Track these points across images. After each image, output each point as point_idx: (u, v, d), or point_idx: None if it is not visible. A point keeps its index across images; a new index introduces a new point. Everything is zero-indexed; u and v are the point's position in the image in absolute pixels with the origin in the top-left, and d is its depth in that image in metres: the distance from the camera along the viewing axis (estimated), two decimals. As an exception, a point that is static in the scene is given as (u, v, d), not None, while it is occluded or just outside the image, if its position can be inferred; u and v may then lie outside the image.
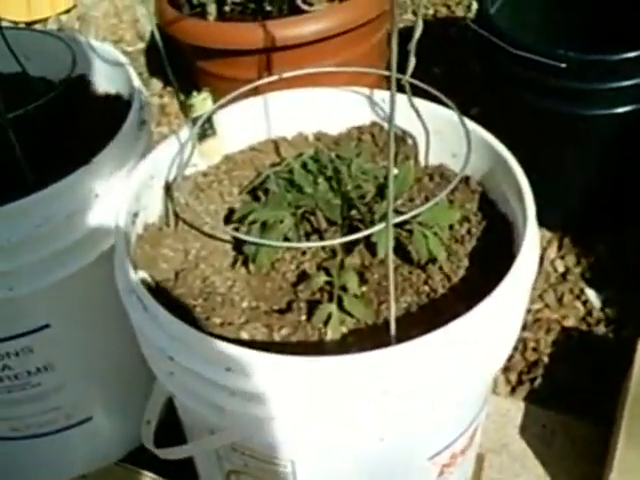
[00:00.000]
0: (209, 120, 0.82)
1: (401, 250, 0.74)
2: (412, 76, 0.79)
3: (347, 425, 0.65)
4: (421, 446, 0.75)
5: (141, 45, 2.06)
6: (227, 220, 0.81)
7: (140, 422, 0.81)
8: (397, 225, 0.71)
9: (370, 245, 0.74)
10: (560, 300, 1.34)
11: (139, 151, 0.89)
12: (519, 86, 1.27)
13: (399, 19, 1.74)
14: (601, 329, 1.29)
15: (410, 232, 0.73)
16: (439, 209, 0.74)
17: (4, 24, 1.03)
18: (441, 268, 0.74)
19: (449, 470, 0.81)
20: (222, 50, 1.45)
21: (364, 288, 0.73)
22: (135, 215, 0.77)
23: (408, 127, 0.86)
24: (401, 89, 0.80)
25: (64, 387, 0.97)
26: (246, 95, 0.87)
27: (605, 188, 1.37)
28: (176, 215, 0.80)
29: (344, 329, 0.69)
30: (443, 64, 1.78)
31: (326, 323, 0.69)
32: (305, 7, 1.43)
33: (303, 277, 0.74)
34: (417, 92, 0.83)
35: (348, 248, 0.75)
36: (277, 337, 0.69)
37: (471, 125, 0.80)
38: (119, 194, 0.78)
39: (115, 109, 0.96)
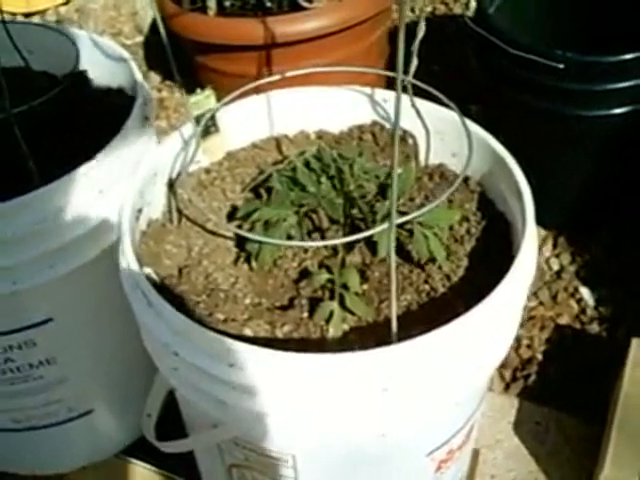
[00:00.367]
0: (212, 117, 0.83)
1: (401, 249, 0.75)
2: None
3: (348, 421, 0.66)
4: (420, 442, 0.76)
5: (139, 38, 2.05)
6: (230, 217, 0.81)
7: (141, 415, 0.82)
8: (398, 225, 0.71)
9: (370, 244, 0.75)
10: (554, 298, 1.35)
11: (143, 147, 0.90)
12: (517, 85, 1.27)
13: (397, 17, 1.74)
14: (595, 327, 1.30)
15: (410, 232, 0.74)
16: (439, 210, 0.74)
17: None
18: (441, 267, 0.74)
19: (446, 465, 0.83)
20: (222, 45, 1.45)
21: (365, 286, 0.74)
22: (139, 211, 0.78)
23: (409, 127, 0.87)
24: (402, 89, 0.80)
25: (66, 380, 0.98)
26: (248, 92, 0.88)
27: (601, 188, 1.38)
28: (179, 212, 0.81)
29: (345, 326, 0.70)
30: (441, 62, 1.78)
31: (328, 320, 0.69)
32: (305, 4, 1.44)
33: (305, 274, 0.75)
34: (417, 91, 0.84)
35: (349, 246, 0.76)
36: (279, 334, 0.69)
37: (471, 126, 0.81)
38: (123, 190, 0.79)
39: (118, 104, 0.96)
